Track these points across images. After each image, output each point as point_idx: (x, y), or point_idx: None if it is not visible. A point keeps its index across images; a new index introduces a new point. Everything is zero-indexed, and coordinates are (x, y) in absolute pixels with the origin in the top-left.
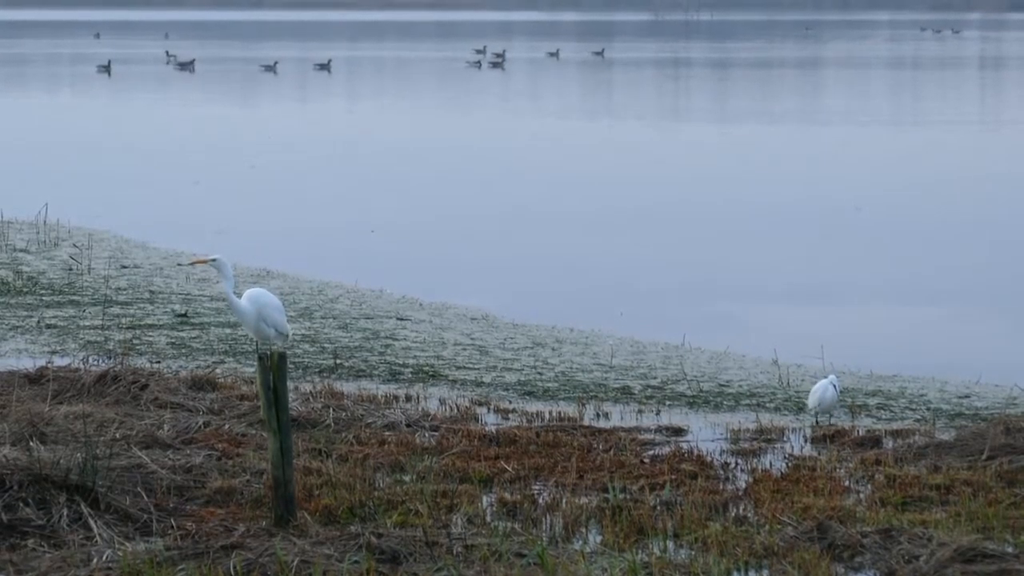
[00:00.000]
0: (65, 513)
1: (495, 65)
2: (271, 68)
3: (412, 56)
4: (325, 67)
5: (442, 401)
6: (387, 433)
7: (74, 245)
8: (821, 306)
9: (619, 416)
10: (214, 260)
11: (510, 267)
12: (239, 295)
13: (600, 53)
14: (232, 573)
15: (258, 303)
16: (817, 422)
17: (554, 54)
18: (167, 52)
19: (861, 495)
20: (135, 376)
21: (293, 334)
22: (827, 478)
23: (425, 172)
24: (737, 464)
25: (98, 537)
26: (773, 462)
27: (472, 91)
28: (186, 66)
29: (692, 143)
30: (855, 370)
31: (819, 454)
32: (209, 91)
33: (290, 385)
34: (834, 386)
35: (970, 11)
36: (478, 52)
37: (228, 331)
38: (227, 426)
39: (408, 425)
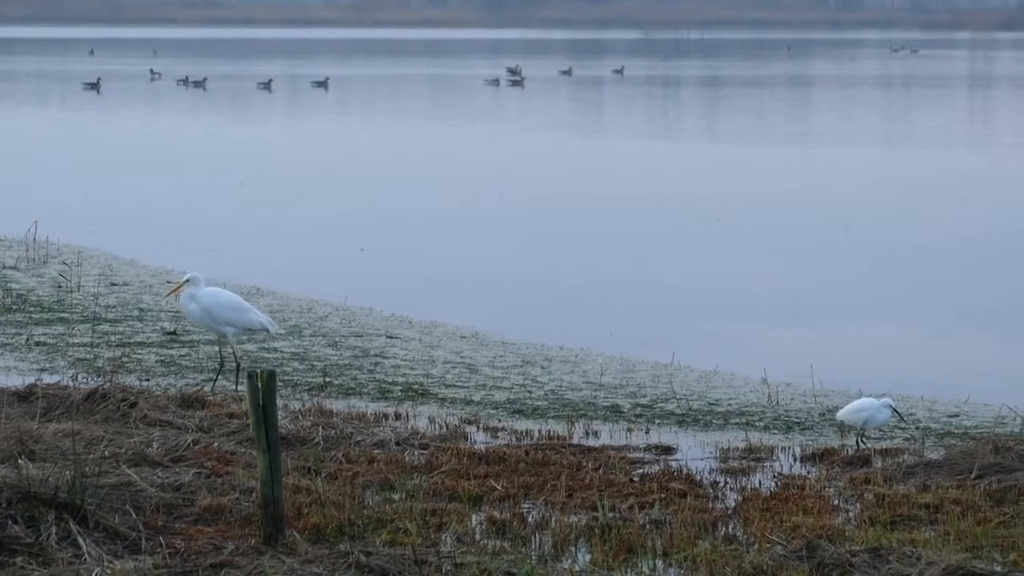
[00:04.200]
0: (54, 531)
1: (515, 84)
2: (266, 86)
3: (415, 74)
4: (323, 84)
5: (431, 419)
6: (376, 451)
7: (63, 263)
8: (810, 325)
9: (608, 435)
10: (188, 280)
11: (500, 285)
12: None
13: (620, 71)
14: None
15: (202, 303)
16: (861, 435)
17: (567, 72)
18: (151, 70)
19: (850, 514)
20: (124, 394)
21: (283, 352)
22: (816, 497)
23: (416, 190)
24: (726, 483)
25: (87, 555)
26: (762, 481)
27: (482, 110)
28: (198, 84)
29: (682, 162)
30: (844, 389)
31: (808, 473)
32: (204, 108)
33: (279, 403)
34: (893, 407)
35: (960, 30)
36: (510, 71)
37: (217, 348)
38: (216, 444)
39: (397, 443)
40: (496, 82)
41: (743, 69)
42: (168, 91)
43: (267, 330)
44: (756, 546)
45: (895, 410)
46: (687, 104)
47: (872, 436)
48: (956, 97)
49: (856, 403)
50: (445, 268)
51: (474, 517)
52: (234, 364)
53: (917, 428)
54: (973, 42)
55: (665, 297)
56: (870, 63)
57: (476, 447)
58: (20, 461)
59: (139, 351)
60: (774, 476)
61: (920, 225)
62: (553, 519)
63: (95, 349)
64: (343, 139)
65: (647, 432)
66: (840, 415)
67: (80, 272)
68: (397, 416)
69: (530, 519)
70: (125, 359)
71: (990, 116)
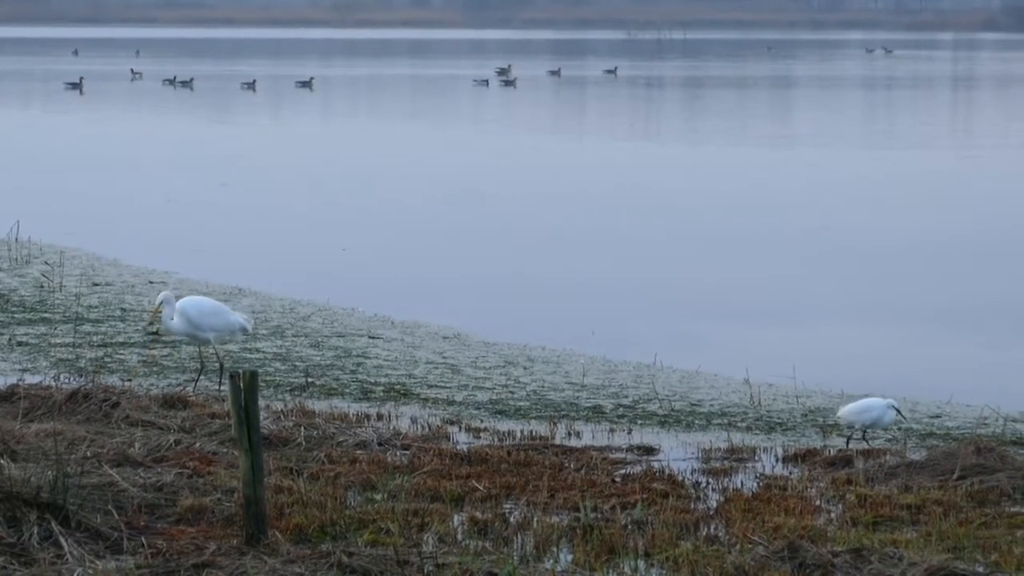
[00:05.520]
0: (36, 531)
1: (506, 84)
2: (251, 86)
3: (402, 75)
4: (307, 84)
5: (414, 420)
6: (359, 452)
7: (46, 263)
8: (792, 326)
9: (591, 435)
10: (162, 302)
11: (482, 286)
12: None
13: (613, 72)
14: None
15: (186, 314)
16: (864, 436)
17: (555, 72)
18: (131, 70)
19: (832, 515)
20: (106, 394)
21: (265, 352)
22: (798, 498)
23: (397, 190)
24: (708, 483)
25: (69, 555)
26: (744, 481)
27: (475, 111)
28: (184, 84)
29: (663, 163)
30: (826, 390)
31: (790, 474)
32: (187, 108)
33: (261, 403)
34: (896, 408)
35: (943, 30)
36: (502, 71)
37: (198, 349)
38: (198, 444)
39: (379, 444)
40: (485, 82)
41: (727, 70)
42: (151, 91)
43: (245, 329)
44: (738, 547)
45: (898, 410)
46: (678, 105)
47: (874, 437)
48: (929, 97)
49: (862, 403)
50: (427, 268)
51: (456, 517)
52: (216, 364)
53: (899, 429)
54: (953, 42)
55: (647, 298)
56: (844, 64)
57: (458, 447)
58: (2, 461)
59: (121, 351)
60: (756, 477)
61: (901, 226)
62: (535, 519)
63: (77, 349)
64: (329, 139)
65: (629, 433)
66: (842, 413)
67: (62, 272)
68: (379, 416)
69: (512, 519)
70: (107, 359)
71: (965, 116)
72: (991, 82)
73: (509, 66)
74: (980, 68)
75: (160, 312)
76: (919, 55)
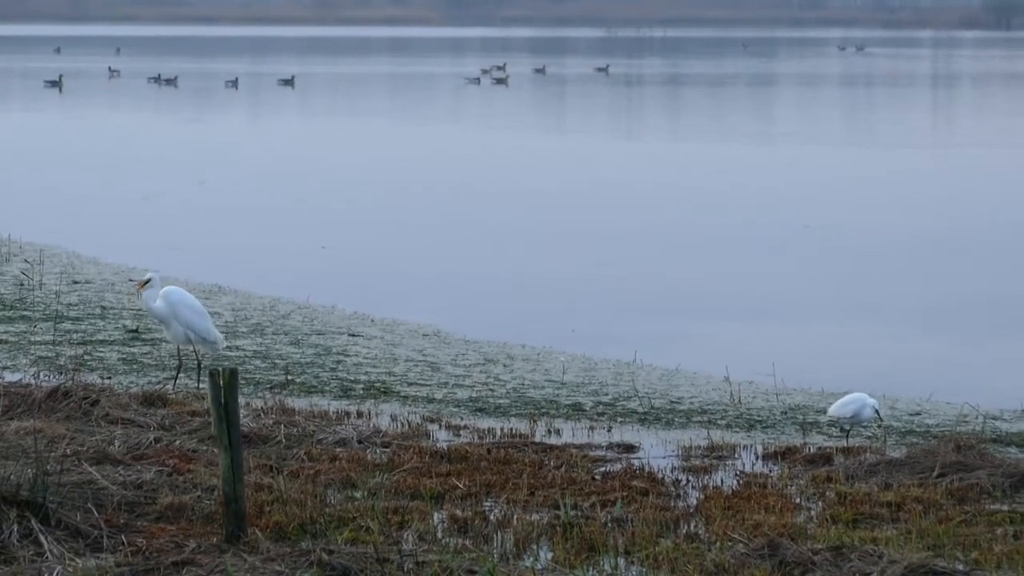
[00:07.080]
0: (15, 529)
1: (498, 82)
2: (233, 84)
3: (389, 73)
4: (289, 83)
5: (393, 417)
6: (338, 449)
7: (25, 260)
8: (772, 323)
9: (570, 433)
10: (148, 281)
11: (462, 283)
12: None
13: (604, 69)
14: None
15: (170, 299)
16: (844, 431)
17: (540, 70)
18: (109, 68)
19: (812, 512)
20: (86, 392)
21: (245, 350)
22: (778, 495)
23: (378, 188)
24: (688, 481)
25: (48, 553)
26: (724, 479)
27: (460, 108)
28: (169, 82)
29: (642, 161)
30: (806, 387)
31: (770, 471)
32: (168, 106)
33: (241, 401)
34: (875, 409)
35: (923, 28)
36: (497, 68)
37: (177, 347)
38: (178, 442)
39: (359, 441)
40: (477, 80)
41: (709, 67)
42: (131, 89)
43: (216, 345)
44: (718, 544)
45: (876, 411)
46: (673, 102)
47: (855, 435)
48: (905, 95)
49: (846, 397)
50: (407, 266)
51: (436, 515)
52: (195, 363)
53: (879, 426)
54: (930, 40)
55: (627, 295)
56: (816, 61)
57: (438, 445)
58: None
59: (101, 349)
60: (736, 474)
61: (882, 224)
62: (515, 517)
63: (57, 347)
64: (311, 137)
65: (609, 430)
66: (831, 411)
67: (42, 270)
68: (359, 414)
69: (492, 517)
70: (87, 357)
71: (943, 114)
72: (969, 80)
73: (504, 64)
74: (958, 66)
75: (145, 287)
76: (895, 53)
